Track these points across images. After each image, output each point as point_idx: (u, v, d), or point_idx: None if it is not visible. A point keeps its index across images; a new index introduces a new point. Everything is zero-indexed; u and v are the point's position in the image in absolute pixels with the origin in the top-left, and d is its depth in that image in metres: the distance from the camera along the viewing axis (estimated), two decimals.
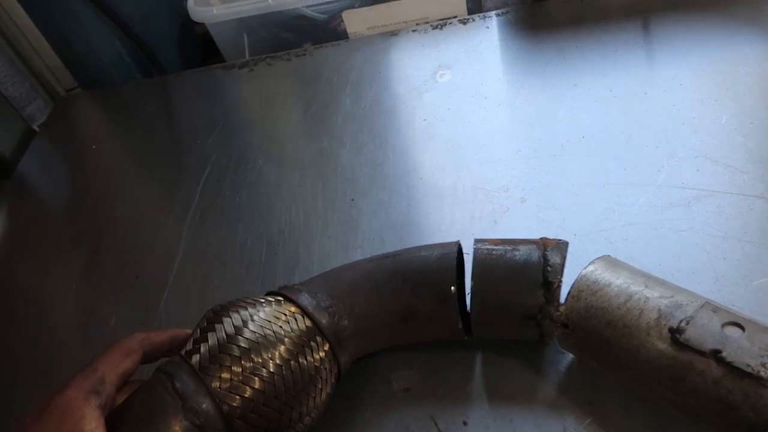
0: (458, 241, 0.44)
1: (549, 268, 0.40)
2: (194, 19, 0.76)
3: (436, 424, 0.42)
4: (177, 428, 0.35)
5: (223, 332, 0.38)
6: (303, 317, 0.40)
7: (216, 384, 0.36)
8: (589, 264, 0.41)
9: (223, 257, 0.57)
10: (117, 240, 0.62)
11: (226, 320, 0.39)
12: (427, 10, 0.72)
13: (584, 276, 0.40)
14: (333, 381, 0.40)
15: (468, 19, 0.71)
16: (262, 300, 0.41)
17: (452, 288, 0.41)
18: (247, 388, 0.36)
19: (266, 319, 0.39)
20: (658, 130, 0.55)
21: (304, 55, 0.75)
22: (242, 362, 0.37)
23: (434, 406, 0.43)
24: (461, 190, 0.56)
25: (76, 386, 0.35)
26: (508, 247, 0.42)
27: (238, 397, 0.36)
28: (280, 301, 0.41)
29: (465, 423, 0.41)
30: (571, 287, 0.40)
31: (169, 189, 0.65)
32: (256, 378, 0.36)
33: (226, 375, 0.36)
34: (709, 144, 0.53)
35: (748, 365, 0.33)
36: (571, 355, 0.43)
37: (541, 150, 0.57)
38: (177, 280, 0.56)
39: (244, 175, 0.64)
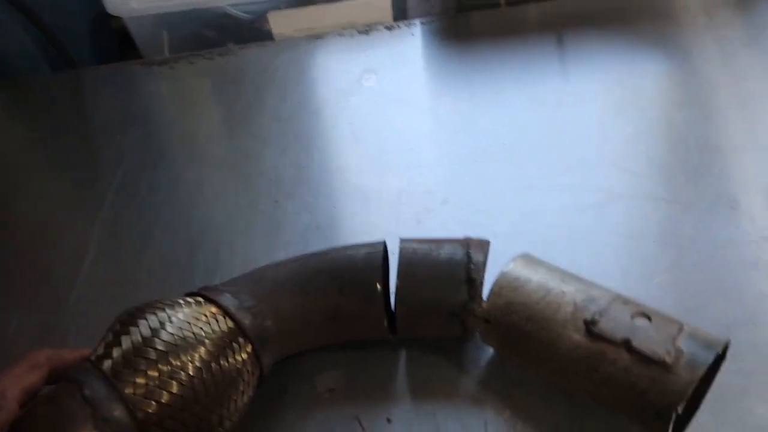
0: (384, 240, 0.44)
1: (472, 266, 0.41)
2: (110, 12, 0.73)
3: (360, 424, 0.42)
4: None
5: (139, 335, 0.36)
6: (225, 318, 0.39)
7: (130, 390, 0.34)
8: (510, 261, 0.42)
9: (139, 258, 0.54)
10: (19, 241, 0.58)
11: (142, 322, 0.37)
12: (353, 14, 0.73)
13: (505, 273, 0.41)
14: (255, 383, 0.39)
15: (393, 26, 0.73)
16: (181, 301, 0.39)
17: (378, 286, 0.41)
18: (164, 392, 0.34)
19: (185, 320, 0.38)
20: (572, 138, 0.59)
21: (228, 54, 0.73)
22: (159, 366, 0.35)
23: (359, 406, 0.43)
24: (386, 193, 0.57)
25: None
26: (433, 246, 0.43)
27: (153, 402, 0.34)
28: (200, 302, 0.40)
29: (389, 420, 0.42)
30: (493, 284, 0.41)
31: (79, 188, 0.62)
32: (174, 382, 0.35)
33: (141, 380, 0.34)
34: (617, 152, 0.57)
35: (655, 352, 0.35)
36: (491, 351, 0.45)
37: (465, 155, 0.59)
38: (87, 282, 0.53)
39: (162, 174, 0.61)
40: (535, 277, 0.41)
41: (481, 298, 0.41)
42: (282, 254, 0.52)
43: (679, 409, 0.34)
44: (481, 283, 0.41)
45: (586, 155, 0.57)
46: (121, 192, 0.60)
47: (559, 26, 0.69)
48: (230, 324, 0.39)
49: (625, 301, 0.38)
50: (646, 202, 0.53)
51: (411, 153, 0.60)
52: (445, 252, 0.42)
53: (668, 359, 0.34)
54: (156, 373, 0.35)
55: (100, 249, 0.56)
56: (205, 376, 0.36)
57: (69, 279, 0.53)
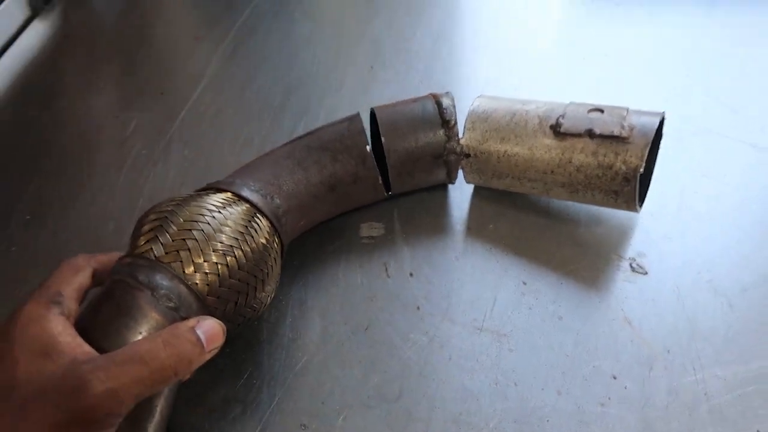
0: (357, 112, 0.48)
1: (444, 110, 0.46)
2: None
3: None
4: (154, 314, 0.35)
5: (172, 224, 0.38)
6: (239, 200, 0.42)
7: (179, 267, 0.37)
8: (474, 100, 0.48)
9: (241, 92, 0.62)
10: (152, 57, 0.69)
11: (172, 214, 0.39)
12: None
13: (473, 110, 0.47)
14: (279, 253, 0.43)
15: None
16: (196, 194, 0.42)
17: (367, 147, 0.45)
18: (211, 264, 0.37)
19: (208, 206, 0.40)
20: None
21: None
22: (199, 243, 0.38)
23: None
24: (473, 79, 0.60)
25: (33, 301, 0.33)
26: (405, 105, 0.47)
27: (205, 273, 0.37)
28: (214, 192, 0.42)
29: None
30: (465, 121, 0.46)
31: (210, 21, 0.72)
32: (216, 254, 0.38)
33: (187, 256, 0.37)
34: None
35: (612, 132, 0.42)
36: (471, 195, 0.50)
37: (582, 59, 0.60)
38: (196, 103, 0.62)
39: (280, 23, 0.69)
40: (499, 106, 0.46)
41: (457, 136, 0.46)
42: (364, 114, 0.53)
43: (641, 170, 0.41)
44: (455, 124, 0.46)
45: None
46: (241, 32, 0.69)
47: None
48: (245, 205, 0.42)
49: (579, 104, 0.44)
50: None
51: (509, 47, 0.62)
52: (417, 106, 0.47)
53: (624, 133, 0.42)
54: (199, 249, 0.37)
55: (212, 78, 0.64)
56: (241, 245, 0.39)
57: (183, 97, 0.62)
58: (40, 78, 0.68)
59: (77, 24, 0.75)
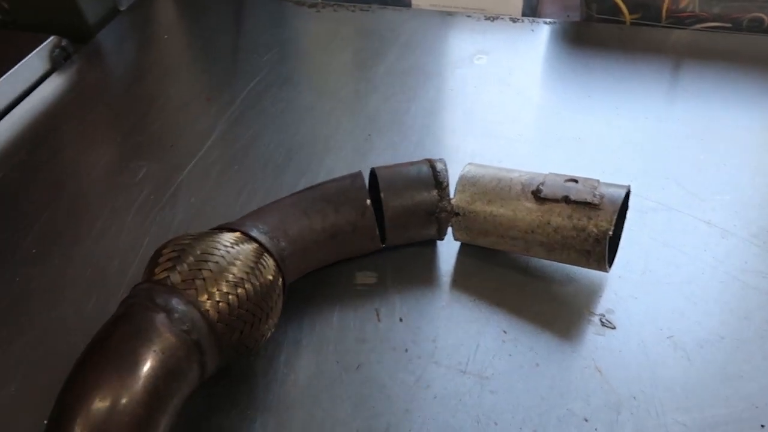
0: (360, 170, 0.53)
1: (438, 173, 0.52)
2: None
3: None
4: (169, 336, 0.37)
5: (190, 257, 0.42)
6: (249, 240, 0.46)
7: (194, 295, 0.40)
8: (465, 166, 0.53)
9: (246, 152, 0.67)
10: (164, 114, 0.73)
11: (189, 246, 0.43)
12: (487, 3, 0.82)
13: (464, 175, 0.52)
14: (282, 292, 0.46)
15: (519, 19, 0.81)
16: (209, 231, 0.46)
17: (368, 201, 0.50)
18: (223, 293, 0.41)
19: (221, 243, 0.44)
20: (653, 167, 0.63)
21: (368, 10, 0.86)
22: (214, 274, 0.41)
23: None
24: (462, 152, 0.65)
25: None
26: (402, 167, 0.53)
27: (216, 302, 0.40)
28: (223, 231, 0.46)
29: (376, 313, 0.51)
30: (456, 184, 0.52)
31: (220, 86, 0.77)
32: (228, 285, 0.41)
33: (202, 285, 0.40)
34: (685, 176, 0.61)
35: (586, 199, 0.48)
36: (457, 251, 0.55)
37: (548, 141, 0.66)
38: (204, 156, 0.67)
39: (285, 93, 0.75)
40: (486, 172, 0.52)
41: (449, 196, 0.51)
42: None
43: (610, 233, 0.46)
44: (448, 185, 0.51)
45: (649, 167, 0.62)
46: (249, 98, 0.74)
47: (679, 55, 0.75)
48: (254, 245, 0.45)
49: (557, 174, 0.50)
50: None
51: (493, 125, 0.68)
52: (413, 168, 0.52)
53: (596, 201, 0.47)
54: (213, 279, 0.41)
55: (219, 137, 0.69)
56: (250, 279, 0.42)
57: (192, 150, 0.67)
58: (55, 126, 0.72)
59: (94, 80, 0.80)
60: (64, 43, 0.81)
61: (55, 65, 0.80)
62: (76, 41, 0.84)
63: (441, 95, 0.74)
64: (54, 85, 0.78)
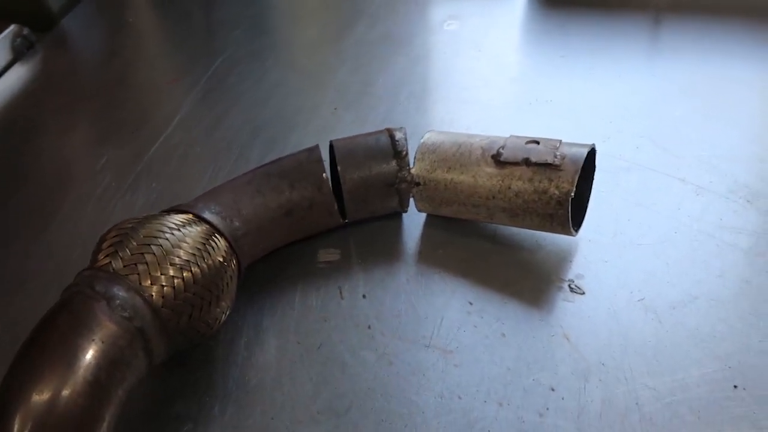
0: (317, 143, 0.51)
1: (397, 142, 0.49)
2: None
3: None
4: (110, 324, 0.36)
5: (133, 240, 0.40)
6: (199, 221, 0.44)
7: (136, 279, 0.38)
8: (425, 134, 0.51)
9: (211, 132, 0.65)
10: (130, 98, 0.72)
11: (133, 231, 0.41)
12: None
13: (423, 143, 0.50)
14: (236, 274, 0.45)
15: None
16: (156, 214, 0.44)
17: (324, 174, 0.48)
18: (167, 277, 0.39)
19: (168, 224, 0.42)
20: (635, 122, 0.61)
21: None
22: (158, 258, 0.39)
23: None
24: (432, 122, 0.64)
25: None
26: (360, 137, 0.51)
27: (161, 286, 0.39)
28: (171, 213, 0.44)
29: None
30: (415, 153, 0.50)
31: (186, 66, 0.76)
32: (173, 268, 0.40)
33: (145, 270, 0.39)
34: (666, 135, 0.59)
35: (546, 160, 0.46)
36: (423, 223, 0.53)
37: (522, 104, 0.65)
38: (167, 139, 0.65)
39: (252, 69, 0.73)
40: (446, 139, 0.50)
41: (408, 166, 0.49)
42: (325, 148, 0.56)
43: (572, 194, 0.44)
44: (407, 155, 0.49)
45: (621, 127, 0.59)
46: (215, 76, 0.73)
47: (659, 10, 0.74)
48: (205, 225, 0.44)
49: (518, 137, 0.48)
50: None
51: (465, 91, 0.67)
52: (372, 138, 0.50)
53: (557, 161, 0.45)
54: (156, 263, 0.39)
55: (185, 117, 0.68)
56: (197, 261, 0.41)
57: (154, 135, 0.66)
58: (20, 115, 0.71)
59: (58, 68, 0.78)
60: (25, 31, 0.79)
61: (18, 55, 0.78)
62: (40, 29, 0.82)
63: (411, 64, 0.72)
64: (16, 76, 0.77)
